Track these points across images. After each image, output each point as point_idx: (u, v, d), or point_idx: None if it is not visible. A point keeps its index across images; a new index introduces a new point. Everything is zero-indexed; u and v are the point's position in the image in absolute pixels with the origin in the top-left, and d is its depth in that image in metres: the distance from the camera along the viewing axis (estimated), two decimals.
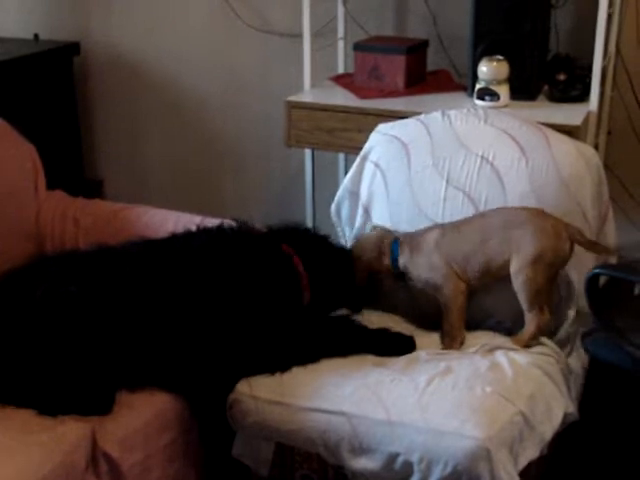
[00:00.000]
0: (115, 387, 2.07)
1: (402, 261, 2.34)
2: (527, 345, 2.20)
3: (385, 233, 2.40)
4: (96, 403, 2.04)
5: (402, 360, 2.18)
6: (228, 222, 2.35)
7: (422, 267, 2.31)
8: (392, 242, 2.36)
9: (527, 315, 2.20)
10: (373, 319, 2.36)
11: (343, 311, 2.39)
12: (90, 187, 3.78)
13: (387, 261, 2.35)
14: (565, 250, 2.19)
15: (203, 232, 2.29)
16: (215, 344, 2.14)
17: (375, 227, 2.47)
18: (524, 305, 2.19)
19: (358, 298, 2.39)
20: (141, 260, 2.18)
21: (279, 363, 2.16)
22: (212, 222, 2.41)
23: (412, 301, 2.41)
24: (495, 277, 2.26)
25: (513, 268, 2.18)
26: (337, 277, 2.34)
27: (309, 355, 2.18)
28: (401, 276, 2.36)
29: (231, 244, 2.24)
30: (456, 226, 2.31)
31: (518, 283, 2.18)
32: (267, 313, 2.19)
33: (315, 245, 2.35)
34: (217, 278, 2.17)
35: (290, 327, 2.22)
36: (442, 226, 2.34)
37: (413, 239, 2.35)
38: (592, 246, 2.23)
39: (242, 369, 2.16)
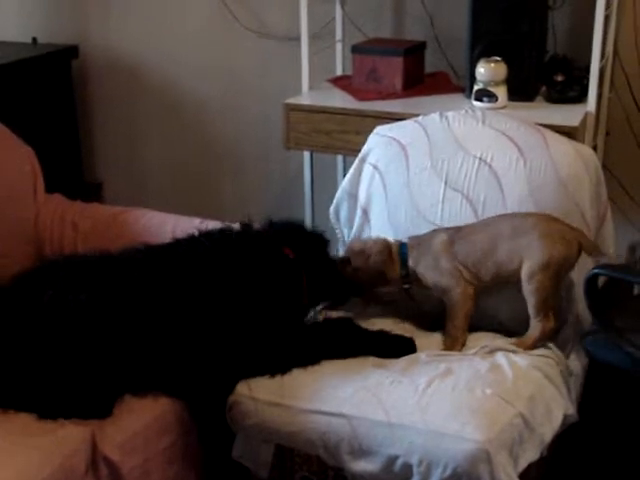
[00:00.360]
0: (115, 391, 2.07)
1: (411, 264, 2.32)
2: (530, 349, 2.20)
3: (387, 239, 2.38)
4: (96, 407, 2.03)
5: (402, 362, 2.17)
6: (229, 225, 2.35)
7: (431, 270, 2.29)
8: (400, 246, 2.34)
9: (533, 320, 2.20)
10: (373, 321, 2.35)
11: (342, 313, 2.39)
12: (89, 190, 3.78)
13: (396, 265, 2.33)
14: (573, 255, 2.18)
15: (205, 237, 2.28)
16: (216, 348, 2.13)
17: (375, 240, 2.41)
18: (532, 311, 2.19)
19: (345, 291, 2.39)
20: (144, 267, 2.18)
21: (279, 365, 2.15)
22: (212, 224, 2.40)
23: (412, 301, 2.40)
24: (506, 282, 2.25)
25: (524, 275, 2.18)
26: (331, 277, 2.34)
27: (309, 357, 2.17)
28: (407, 279, 2.34)
29: (234, 249, 2.23)
30: (464, 233, 2.29)
31: (529, 290, 2.17)
32: (270, 317, 2.18)
33: (312, 244, 2.34)
34: (219, 284, 2.16)
35: (291, 329, 2.21)
36: (447, 230, 2.32)
37: (420, 242, 2.33)
38: (594, 252, 2.21)
39: (242, 371, 2.15)
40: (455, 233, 2.30)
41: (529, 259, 2.17)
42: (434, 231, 2.35)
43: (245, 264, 2.20)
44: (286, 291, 2.23)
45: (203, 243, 2.23)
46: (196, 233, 2.29)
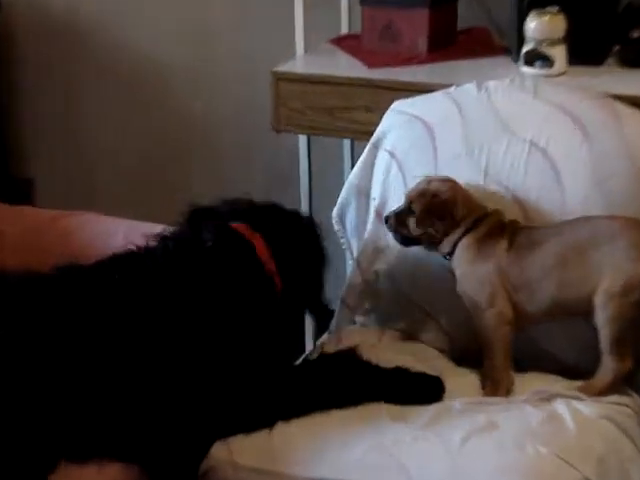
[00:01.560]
0: (47, 457, 2.06)
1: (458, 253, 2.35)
2: (600, 395, 2.21)
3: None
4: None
5: (428, 411, 2.18)
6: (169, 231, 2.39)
7: (471, 275, 2.32)
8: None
9: (605, 358, 2.21)
10: (388, 354, 2.36)
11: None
12: (17, 187, 3.80)
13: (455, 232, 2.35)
14: None
15: (146, 253, 2.30)
16: (178, 395, 2.14)
17: None
18: (604, 346, 2.20)
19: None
20: (81, 291, 2.19)
21: (264, 416, 2.16)
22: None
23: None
24: (567, 314, 2.27)
25: (600, 297, 2.18)
26: (310, 258, 2.36)
27: (305, 406, 2.18)
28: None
29: (184, 264, 2.25)
30: (526, 241, 2.31)
31: (605, 317, 2.18)
32: (240, 333, 2.20)
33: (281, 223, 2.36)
34: (172, 309, 2.17)
35: (274, 362, 2.24)
36: (515, 231, 2.34)
37: (492, 234, 2.34)
38: None
39: (215, 425, 2.16)
40: (520, 240, 2.31)
41: (610, 275, 2.18)
42: (503, 227, 2.35)
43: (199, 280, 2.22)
44: (251, 291, 2.25)
45: (143, 261, 2.25)
46: (134, 247, 2.31)
